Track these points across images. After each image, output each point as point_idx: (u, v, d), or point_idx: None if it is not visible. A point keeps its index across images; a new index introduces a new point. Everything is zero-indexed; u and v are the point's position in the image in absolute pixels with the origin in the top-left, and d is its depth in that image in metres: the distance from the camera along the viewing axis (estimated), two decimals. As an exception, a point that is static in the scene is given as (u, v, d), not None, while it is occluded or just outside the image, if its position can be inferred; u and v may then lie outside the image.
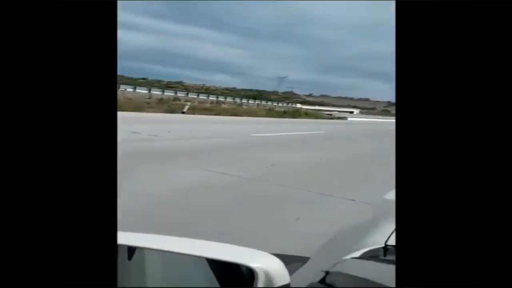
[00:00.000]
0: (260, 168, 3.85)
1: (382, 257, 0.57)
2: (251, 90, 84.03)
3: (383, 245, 0.59)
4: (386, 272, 0.45)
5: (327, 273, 0.48)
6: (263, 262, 0.42)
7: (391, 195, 3.29)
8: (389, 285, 0.38)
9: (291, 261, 0.59)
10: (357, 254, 0.57)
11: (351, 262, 0.53)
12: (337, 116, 27.23)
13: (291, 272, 0.54)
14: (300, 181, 3.43)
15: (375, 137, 11.49)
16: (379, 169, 4.71)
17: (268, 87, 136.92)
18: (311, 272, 0.51)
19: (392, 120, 40.07)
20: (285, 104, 30.93)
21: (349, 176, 4.11)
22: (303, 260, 0.62)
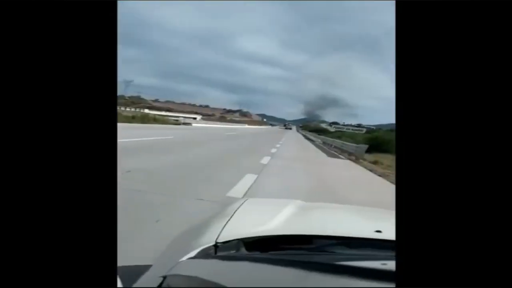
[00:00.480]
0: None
1: (214, 255, 0.59)
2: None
3: (214, 243, 0.61)
4: (217, 269, 0.47)
5: (164, 277, 0.49)
6: None
7: (232, 193, 3.62)
8: (219, 281, 0.40)
9: (133, 271, 0.59)
10: (193, 254, 0.58)
11: (186, 263, 0.54)
12: (182, 122, 27.75)
13: (132, 282, 0.54)
14: (156, 185, 3.56)
15: (218, 141, 12.27)
16: (221, 168, 5.27)
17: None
18: (151, 280, 0.52)
19: (229, 125, 42.69)
20: (133, 109, 28.87)
21: (197, 176, 4.42)
22: (145, 269, 0.62)
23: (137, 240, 2.01)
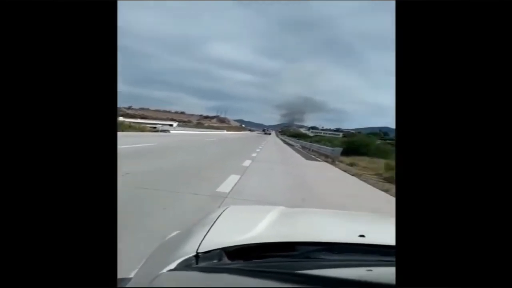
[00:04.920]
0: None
1: (195, 265, 0.58)
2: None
3: (195, 253, 0.61)
4: (198, 281, 0.47)
5: None
6: None
7: (220, 189, 4.25)
8: None
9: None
10: (173, 265, 0.57)
11: (166, 275, 0.53)
12: (161, 129, 27.98)
13: None
14: (155, 183, 4.18)
15: (200, 147, 12.88)
16: (207, 170, 5.82)
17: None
18: None
19: (207, 132, 42.60)
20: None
21: (187, 177, 5.11)
22: (125, 282, 0.62)
23: (154, 220, 2.68)
